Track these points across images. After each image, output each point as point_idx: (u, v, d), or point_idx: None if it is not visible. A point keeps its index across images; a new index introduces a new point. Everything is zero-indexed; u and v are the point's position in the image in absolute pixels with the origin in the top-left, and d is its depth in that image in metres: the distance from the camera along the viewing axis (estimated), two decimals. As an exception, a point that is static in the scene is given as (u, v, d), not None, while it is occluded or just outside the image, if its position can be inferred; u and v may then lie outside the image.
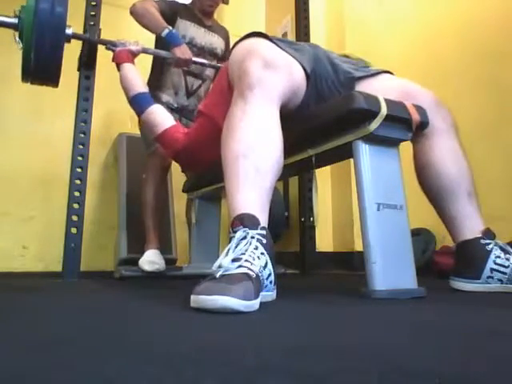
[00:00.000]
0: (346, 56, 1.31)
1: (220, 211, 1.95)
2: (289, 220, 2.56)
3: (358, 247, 2.30)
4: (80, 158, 1.81)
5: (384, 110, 1.00)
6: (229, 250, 0.79)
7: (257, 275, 0.78)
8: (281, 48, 1.10)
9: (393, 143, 1.07)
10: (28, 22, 1.54)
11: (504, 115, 1.80)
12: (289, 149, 1.05)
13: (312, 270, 2.28)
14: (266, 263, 0.82)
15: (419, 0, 2.36)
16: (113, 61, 1.74)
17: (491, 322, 0.68)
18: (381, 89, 1.13)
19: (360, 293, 0.99)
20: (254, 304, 0.73)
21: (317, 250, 2.36)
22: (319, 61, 1.20)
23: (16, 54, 1.67)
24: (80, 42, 1.88)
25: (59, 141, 2.35)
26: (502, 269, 1.06)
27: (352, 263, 2.30)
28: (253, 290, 0.72)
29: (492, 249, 1.08)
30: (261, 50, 1.06)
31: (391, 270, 0.98)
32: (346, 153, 1.12)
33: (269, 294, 0.85)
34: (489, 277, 1.07)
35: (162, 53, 1.92)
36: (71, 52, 1.79)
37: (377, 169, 1.03)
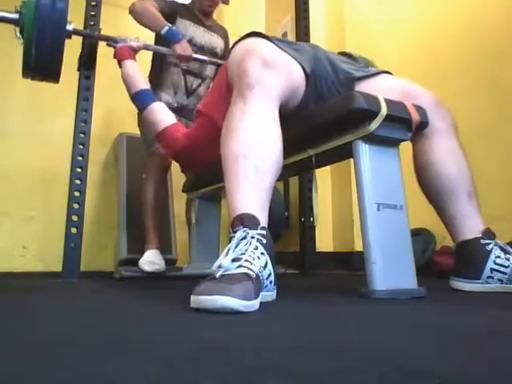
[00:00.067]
0: (349, 54, 1.31)
1: (220, 211, 1.95)
2: (289, 220, 2.56)
3: (358, 247, 2.30)
4: (80, 158, 1.81)
5: (384, 110, 1.00)
6: (229, 250, 0.79)
7: (257, 275, 0.78)
8: (280, 48, 1.10)
9: (393, 143, 1.07)
10: (29, 17, 1.54)
11: (504, 115, 1.80)
12: (289, 149, 1.05)
13: (312, 269, 2.28)
14: (266, 263, 0.82)
15: (419, 0, 2.36)
16: (114, 57, 1.73)
17: (491, 322, 0.68)
18: (380, 89, 1.13)
19: (360, 293, 0.99)
20: (254, 304, 0.73)
21: (317, 250, 2.36)
22: (319, 61, 1.20)
23: (16, 54, 1.68)
24: (80, 43, 1.89)
25: (59, 141, 2.35)
26: (502, 269, 1.06)
27: (352, 263, 2.30)
28: (253, 290, 0.72)
29: (492, 249, 1.08)
30: (260, 50, 1.06)
31: (391, 270, 0.98)
32: (346, 153, 1.12)
33: (269, 294, 0.85)
34: (489, 277, 1.07)
35: (163, 49, 1.92)
36: (71, 52, 1.79)
37: (377, 169, 1.03)
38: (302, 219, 2.34)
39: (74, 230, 1.74)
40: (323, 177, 2.50)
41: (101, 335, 0.55)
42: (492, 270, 1.07)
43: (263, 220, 0.89)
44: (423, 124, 1.09)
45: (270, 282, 0.85)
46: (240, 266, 0.76)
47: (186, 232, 2.21)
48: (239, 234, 0.83)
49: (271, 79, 1.01)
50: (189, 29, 2.05)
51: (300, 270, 2.29)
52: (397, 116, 1.03)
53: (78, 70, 1.90)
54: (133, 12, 1.93)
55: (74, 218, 1.74)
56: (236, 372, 0.37)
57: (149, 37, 2.00)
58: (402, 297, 0.96)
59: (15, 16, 1.60)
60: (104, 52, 1.88)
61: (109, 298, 1.16)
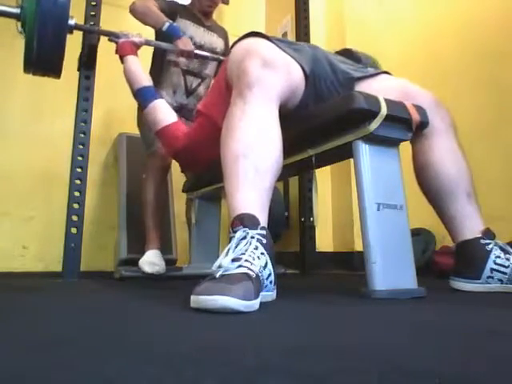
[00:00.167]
0: (351, 51, 1.31)
1: (220, 211, 1.95)
2: (289, 220, 2.56)
3: (358, 247, 2.30)
4: (80, 158, 1.81)
5: (384, 110, 1.00)
6: (229, 250, 0.79)
7: (257, 275, 0.78)
8: (280, 48, 1.10)
9: (393, 143, 1.07)
10: (31, 12, 1.53)
11: (503, 115, 1.80)
12: (289, 149, 1.05)
13: (312, 269, 2.28)
14: (266, 263, 0.82)
15: (419, 0, 2.36)
16: (116, 53, 1.73)
17: (491, 322, 0.68)
18: (380, 89, 1.13)
19: (360, 293, 0.99)
20: (254, 304, 0.73)
21: (317, 250, 2.36)
22: (318, 61, 1.20)
23: (16, 54, 1.68)
24: (80, 43, 1.89)
25: (59, 141, 2.35)
26: (502, 269, 1.06)
27: (352, 263, 2.30)
28: (253, 290, 0.72)
29: (492, 249, 1.08)
30: (260, 50, 1.06)
31: (391, 270, 0.98)
32: (346, 153, 1.12)
33: (269, 294, 0.85)
34: (489, 277, 1.07)
35: (165, 45, 1.92)
36: (71, 52, 1.79)
37: (377, 169, 1.03)
38: (302, 219, 2.34)
39: (73, 230, 1.74)
40: (323, 177, 2.50)
41: (101, 335, 0.55)
42: (492, 270, 1.07)
43: (263, 220, 0.89)
44: (423, 124, 1.09)
45: (270, 282, 0.85)
46: (240, 266, 0.76)
47: (186, 232, 2.21)
48: (239, 233, 0.83)
49: (271, 79, 1.01)
50: (189, 29, 2.05)
51: (300, 270, 2.29)
52: (397, 116, 1.03)
53: (78, 70, 1.90)
54: (133, 11, 1.93)
55: (74, 217, 1.74)
56: (236, 372, 0.37)
57: (149, 36, 1.99)
58: (402, 297, 0.96)
59: (17, 10, 1.59)
60: (104, 52, 1.88)
61: (109, 297, 1.16)
